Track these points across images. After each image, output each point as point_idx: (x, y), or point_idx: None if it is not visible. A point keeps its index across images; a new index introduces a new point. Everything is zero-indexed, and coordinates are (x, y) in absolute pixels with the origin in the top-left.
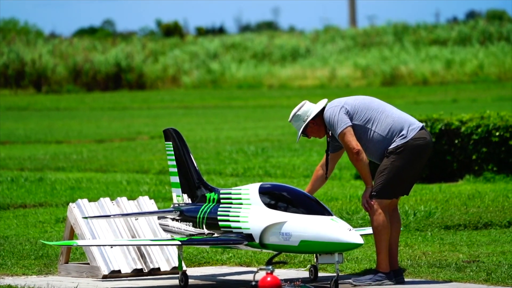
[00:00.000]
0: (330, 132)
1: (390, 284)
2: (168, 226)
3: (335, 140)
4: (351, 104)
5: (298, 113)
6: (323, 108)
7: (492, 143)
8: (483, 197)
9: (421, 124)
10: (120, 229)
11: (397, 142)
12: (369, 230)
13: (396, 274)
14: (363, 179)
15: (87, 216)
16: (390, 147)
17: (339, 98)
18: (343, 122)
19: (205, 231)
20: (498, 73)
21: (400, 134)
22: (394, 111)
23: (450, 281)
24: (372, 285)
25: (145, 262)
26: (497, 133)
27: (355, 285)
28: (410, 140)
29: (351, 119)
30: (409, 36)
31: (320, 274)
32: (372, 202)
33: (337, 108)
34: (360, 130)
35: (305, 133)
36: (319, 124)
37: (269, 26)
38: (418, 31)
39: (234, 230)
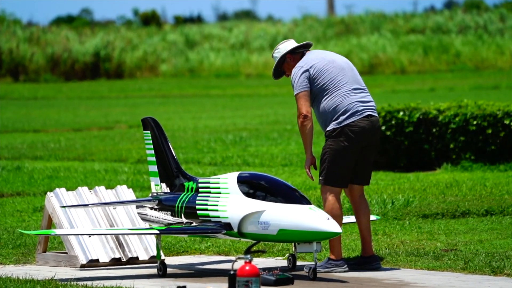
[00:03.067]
0: None
1: (340, 271)
2: (147, 215)
3: None
4: (317, 68)
5: (279, 46)
6: (304, 49)
7: (469, 132)
8: (461, 186)
9: (365, 112)
10: (98, 218)
11: (332, 125)
12: (347, 219)
13: (371, 260)
14: (304, 146)
15: (65, 205)
16: (327, 129)
17: (313, 55)
18: (300, 86)
19: (184, 220)
20: (475, 62)
21: (339, 117)
22: (347, 93)
23: (428, 269)
24: (321, 272)
25: (123, 251)
26: (475, 122)
27: (306, 272)
28: (344, 126)
29: (311, 83)
30: (386, 25)
31: (299, 263)
32: (322, 189)
33: (301, 70)
34: (315, 96)
35: (282, 69)
36: (296, 62)
37: (247, 15)
38: (395, 20)
39: (213, 219)
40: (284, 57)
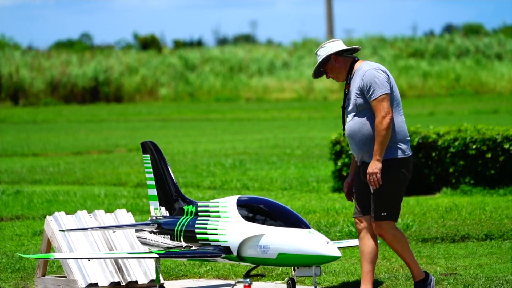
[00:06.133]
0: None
1: None
2: (146, 239)
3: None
4: (392, 80)
5: (326, 44)
6: (352, 53)
7: (469, 156)
8: (460, 210)
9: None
10: (97, 242)
11: (399, 151)
12: (346, 243)
13: (426, 279)
14: (379, 149)
15: (64, 229)
16: (393, 156)
17: (381, 65)
18: (386, 87)
19: (183, 244)
20: (475, 86)
21: (406, 143)
22: (403, 117)
23: None
24: None
25: (123, 275)
26: (474, 146)
27: None
28: (409, 156)
29: None
30: (386, 49)
31: (298, 287)
32: (383, 226)
33: (382, 73)
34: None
35: (324, 69)
36: (340, 64)
37: (247, 39)
38: (395, 44)
39: (212, 243)
40: (329, 56)
